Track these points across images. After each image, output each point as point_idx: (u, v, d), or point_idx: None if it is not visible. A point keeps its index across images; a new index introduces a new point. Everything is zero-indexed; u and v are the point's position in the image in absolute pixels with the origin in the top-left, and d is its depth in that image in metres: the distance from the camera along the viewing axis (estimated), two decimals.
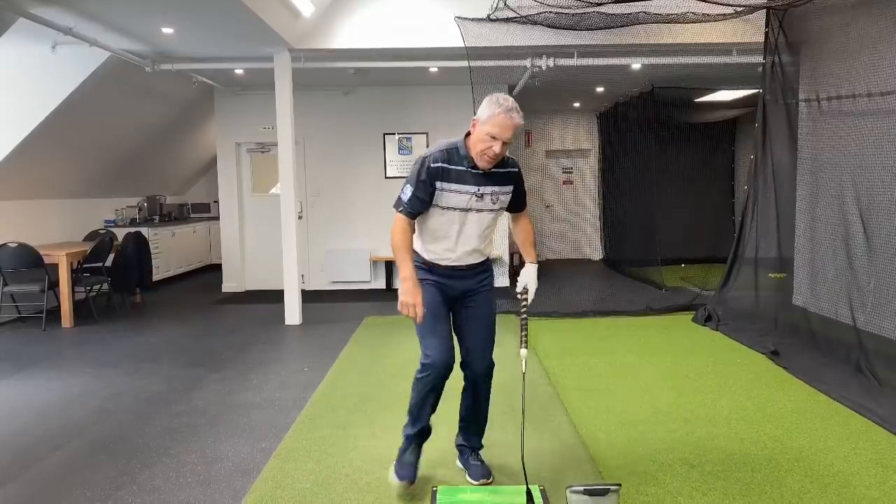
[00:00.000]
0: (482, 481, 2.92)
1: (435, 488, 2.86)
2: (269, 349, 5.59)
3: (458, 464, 3.08)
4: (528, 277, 2.84)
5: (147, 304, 7.80)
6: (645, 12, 5.86)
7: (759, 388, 4.27)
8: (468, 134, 2.69)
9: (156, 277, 8.56)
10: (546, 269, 10.07)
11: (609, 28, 6.11)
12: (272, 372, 4.88)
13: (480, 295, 2.88)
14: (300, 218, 8.42)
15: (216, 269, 9.57)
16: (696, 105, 9.35)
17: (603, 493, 2.37)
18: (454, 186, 2.66)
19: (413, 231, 2.74)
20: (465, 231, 2.74)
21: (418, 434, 2.91)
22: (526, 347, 2.76)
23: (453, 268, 2.80)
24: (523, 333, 2.77)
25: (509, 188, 2.79)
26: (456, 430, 3.10)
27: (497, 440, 3.42)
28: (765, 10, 5.93)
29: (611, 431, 3.58)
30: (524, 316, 2.80)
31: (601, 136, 11.18)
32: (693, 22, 6.03)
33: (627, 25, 6.11)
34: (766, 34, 6.04)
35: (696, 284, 7.87)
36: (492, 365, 2.94)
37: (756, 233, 6.08)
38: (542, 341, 5.60)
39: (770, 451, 3.28)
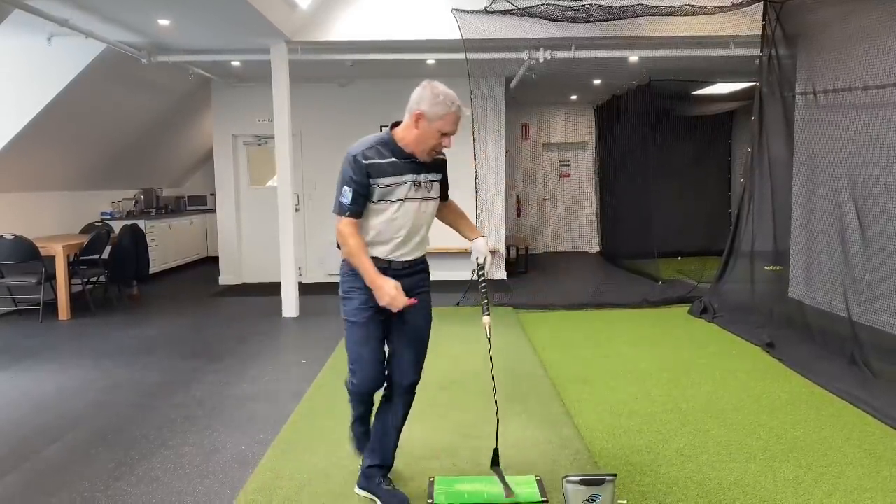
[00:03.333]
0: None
1: (432, 479, 2.88)
2: (266, 341, 5.60)
3: (360, 491, 2.81)
4: (481, 249, 2.74)
5: (144, 297, 7.80)
6: (642, 4, 5.86)
7: (755, 380, 4.30)
8: (395, 125, 2.60)
9: (153, 270, 8.55)
10: (543, 262, 10.09)
11: (606, 20, 6.10)
12: (270, 364, 4.90)
13: (418, 304, 2.61)
14: (297, 210, 8.42)
15: (213, 261, 9.56)
16: (693, 98, 9.36)
17: (599, 483, 2.39)
18: (389, 179, 2.54)
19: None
20: (408, 223, 2.61)
21: (363, 434, 2.91)
22: (489, 314, 2.72)
23: (390, 265, 2.63)
24: (485, 302, 2.72)
25: (439, 175, 2.72)
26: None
27: (492, 431, 3.45)
28: (762, 3, 5.93)
29: (607, 422, 3.60)
30: (483, 285, 2.74)
31: (598, 129, 11.18)
32: (690, 14, 6.03)
33: (624, 18, 6.10)
34: (763, 27, 6.04)
35: (693, 277, 7.89)
36: (416, 382, 2.75)
37: (752, 225, 6.10)
38: (539, 334, 5.62)
39: (765, 441, 3.30)
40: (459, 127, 2.57)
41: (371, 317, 2.63)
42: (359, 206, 2.56)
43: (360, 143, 2.59)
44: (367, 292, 2.58)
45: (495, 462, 2.72)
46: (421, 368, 2.76)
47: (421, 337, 2.75)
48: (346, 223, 2.58)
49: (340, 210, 2.58)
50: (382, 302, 2.50)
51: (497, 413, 2.72)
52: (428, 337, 2.77)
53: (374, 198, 2.56)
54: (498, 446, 2.73)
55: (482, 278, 2.75)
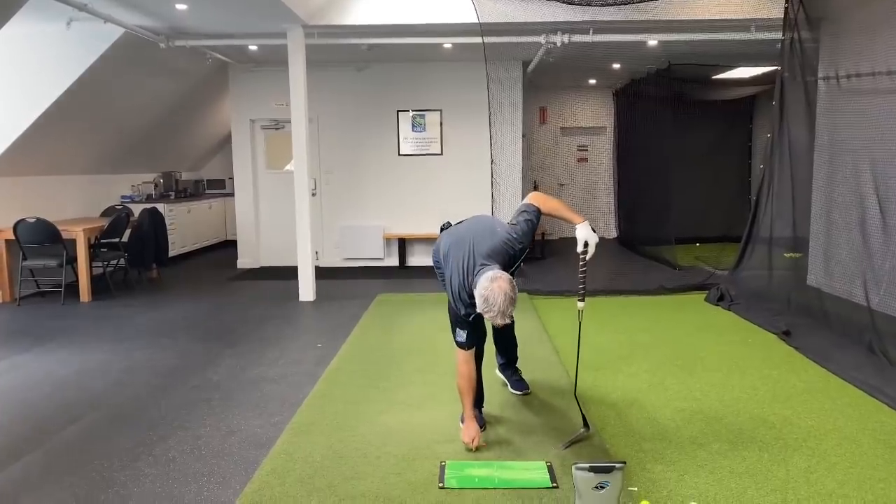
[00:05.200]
0: (524, 392, 3.73)
1: (443, 463, 2.91)
2: (283, 325, 5.65)
3: (501, 376, 3.89)
4: (584, 234, 3.11)
5: (163, 280, 7.90)
6: None
7: (770, 368, 4.27)
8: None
9: (172, 253, 8.65)
10: (559, 248, 10.05)
11: (625, 3, 6.02)
12: (286, 347, 4.95)
13: None
14: (314, 195, 8.45)
15: (231, 245, 9.65)
16: (714, 82, 9.21)
17: (608, 470, 2.39)
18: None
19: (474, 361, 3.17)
20: None
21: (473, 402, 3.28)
22: (583, 300, 3.23)
23: None
24: (581, 287, 3.19)
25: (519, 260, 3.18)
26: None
27: (506, 418, 3.47)
28: None
29: (619, 409, 3.61)
30: (584, 271, 3.16)
31: (617, 114, 11.07)
32: None
33: (643, 1, 6.01)
34: (786, 10, 5.92)
35: (710, 264, 7.83)
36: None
37: (771, 212, 6.02)
38: (554, 319, 5.61)
39: (778, 430, 3.29)
40: (501, 320, 2.81)
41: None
42: (473, 340, 3.10)
43: (459, 299, 3.01)
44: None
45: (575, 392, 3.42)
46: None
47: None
48: (463, 356, 3.10)
49: (459, 346, 3.10)
50: (464, 438, 3.06)
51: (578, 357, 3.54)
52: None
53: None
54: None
55: (582, 263, 3.14)
